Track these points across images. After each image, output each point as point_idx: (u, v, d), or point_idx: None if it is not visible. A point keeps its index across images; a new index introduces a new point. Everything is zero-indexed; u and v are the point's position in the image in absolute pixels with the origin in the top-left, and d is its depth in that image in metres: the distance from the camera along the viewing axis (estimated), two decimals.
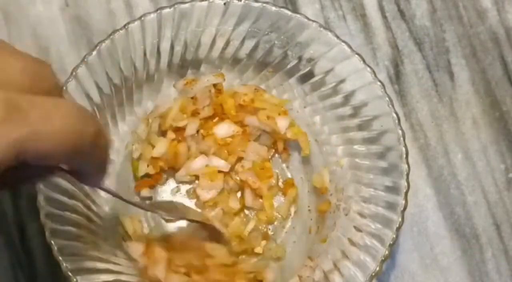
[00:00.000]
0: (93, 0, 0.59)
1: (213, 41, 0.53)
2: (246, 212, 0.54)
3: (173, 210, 0.53)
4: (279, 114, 0.53)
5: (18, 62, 0.32)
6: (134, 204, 0.50)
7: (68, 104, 0.32)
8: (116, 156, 0.53)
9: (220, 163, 0.53)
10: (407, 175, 0.48)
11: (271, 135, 0.54)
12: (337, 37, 0.51)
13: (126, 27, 0.50)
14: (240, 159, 0.54)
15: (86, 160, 0.34)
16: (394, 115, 0.49)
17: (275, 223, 0.54)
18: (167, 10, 0.51)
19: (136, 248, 0.50)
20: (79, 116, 0.32)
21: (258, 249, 0.53)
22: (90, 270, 0.46)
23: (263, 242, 0.53)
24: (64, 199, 0.47)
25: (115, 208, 0.51)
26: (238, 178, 0.54)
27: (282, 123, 0.53)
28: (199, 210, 0.54)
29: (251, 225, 0.53)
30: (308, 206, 0.54)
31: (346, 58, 0.51)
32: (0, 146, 0.29)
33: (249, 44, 0.53)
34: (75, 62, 0.50)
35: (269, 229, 0.54)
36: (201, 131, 0.54)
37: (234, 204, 0.53)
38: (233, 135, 0.54)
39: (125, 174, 0.53)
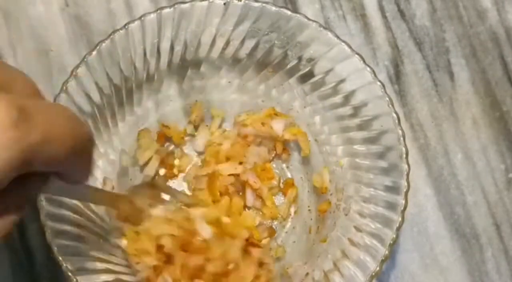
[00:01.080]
0: (93, 0, 0.59)
1: (213, 41, 0.53)
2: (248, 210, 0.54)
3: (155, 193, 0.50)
4: (272, 118, 0.53)
5: (19, 74, 0.33)
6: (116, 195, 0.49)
7: (65, 108, 0.33)
8: (116, 156, 0.53)
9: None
10: (407, 175, 0.48)
11: (271, 140, 0.54)
12: (337, 37, 0.51)
13: (126, 27, 0.50)
14: (241, 163, 0.54)
15: (79, 161, 0.34)
16: (394, 115, 0.49)
17: (275, 222, 0.54)
18: (167, 10, 0.51)
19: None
20: (76, 119, 0.33)
21: (264, 241, 0.53)
22: (90, 270, 0.46)
23: (267, 239, 0.53)
24: (64, 199, 0.47)
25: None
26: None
27: (277, 126, 0.53)
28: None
29: (256, 221, 0.54)
30: (308, 206, 0.54)
31: (346, 58, 0.51)
32: (12, 150, 0.28)
33: (249, 44, 0.53)
34: (75, 62, 0.50)
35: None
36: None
37: (238, 200, 0.53)
38: (233, 144, 0.54)
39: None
